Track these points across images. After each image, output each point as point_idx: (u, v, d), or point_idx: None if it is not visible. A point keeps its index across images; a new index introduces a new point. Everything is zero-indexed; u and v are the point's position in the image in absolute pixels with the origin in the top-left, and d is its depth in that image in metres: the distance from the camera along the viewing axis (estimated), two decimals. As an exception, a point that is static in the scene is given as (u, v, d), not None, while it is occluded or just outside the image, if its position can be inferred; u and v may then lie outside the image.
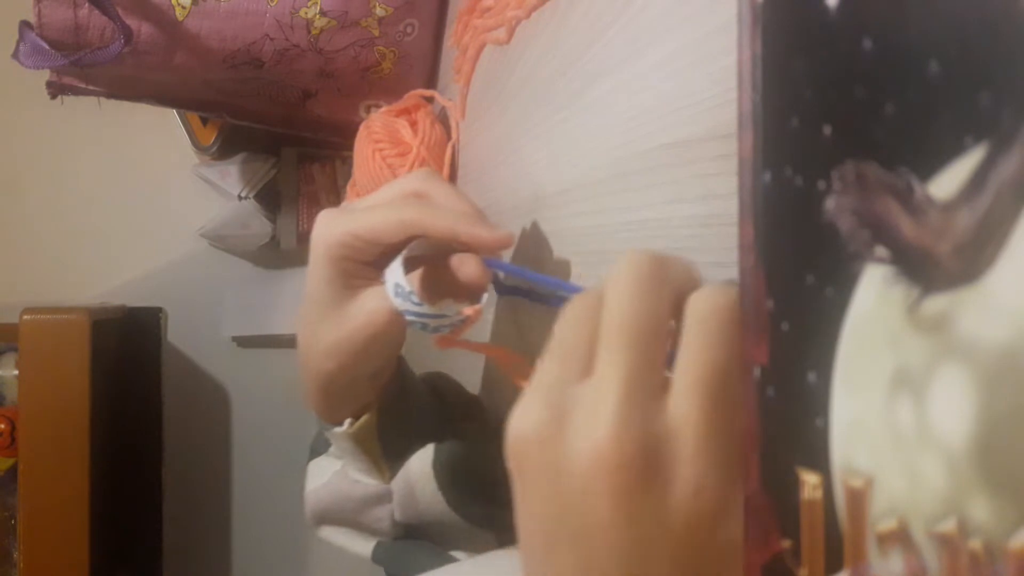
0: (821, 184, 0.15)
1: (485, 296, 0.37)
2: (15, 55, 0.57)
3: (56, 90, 0.64)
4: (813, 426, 0.15)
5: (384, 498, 0.46)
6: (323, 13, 0.62)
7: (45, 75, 0.62)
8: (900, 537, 0.13)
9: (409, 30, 0.67)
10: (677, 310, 0.21)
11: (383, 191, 0.39)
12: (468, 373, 0.55)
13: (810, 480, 0.15)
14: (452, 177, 0.60)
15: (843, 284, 0.14)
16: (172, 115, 0.99)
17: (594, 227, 0.36)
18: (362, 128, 0.62)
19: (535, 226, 0.43)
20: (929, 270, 0.13)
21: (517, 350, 0.45)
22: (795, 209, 0.15)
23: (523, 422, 0.20)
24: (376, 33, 0.65)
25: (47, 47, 0.56)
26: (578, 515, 0.19)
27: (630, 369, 0.19)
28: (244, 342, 1.10)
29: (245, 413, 1.12)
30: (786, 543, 0.16)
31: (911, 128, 0.13)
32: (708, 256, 0.27)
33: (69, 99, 0.65)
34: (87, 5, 0.55)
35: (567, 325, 0.22)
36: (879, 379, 0.14)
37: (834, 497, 0.15)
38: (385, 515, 0.46)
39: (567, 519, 0.19)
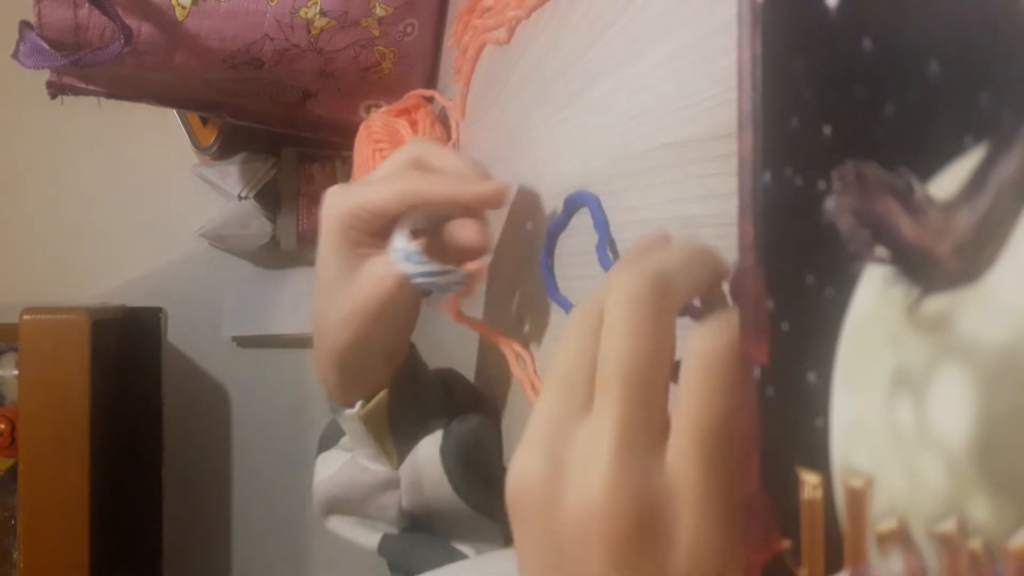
0: (821, 184, 0.15)
1: (489, 256, 0.38)
2: (15, 55, 0.57)
3: (56, 90, 0.64)
4: (813, 426, 0.15)
5: (392, 484, 0.46)
6: (323, 13, 0.62)
7: (45, 75, 0.62)
8: (900, 537, 0.13)
9: (409, 30, 0.67)
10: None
11: (387, 163, 0.40)
12: (468, 371, 0.55)
13: (810, 480, 0.15)
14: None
15: (843, 284, 0.14)
16: (172, 115, 0.99)
17: (594, 228, 0.36)
18: (362, 128, 0.62)
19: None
20: (929, 270, 0.13)
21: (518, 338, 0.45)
22: (795, 209, 0.15)
23: (522, 471, 0.20)
24: (376, 33, 0.65)
25: (47, 47, 0.56)
26: (572, 571, 0.19)
27: (626, 417, 0.18)
28: (244, 342, 1.10)
29: (245, 413, 1.12)
30: (786, 543, 0.16)
31: (911, 128, 0.13)
32: (708, 256, 0.27)
33: (69, 99, 0.65)
34: (87, 5, 0.55)
35: (566, 353, 0.21)
36: (879, 379, 0.14)
37: (834, 497, 0.15)
38: (393, 502, 0.46)
39: (562, 574, 0.19)
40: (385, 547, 0.47)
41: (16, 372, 0.89)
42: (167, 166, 1.07)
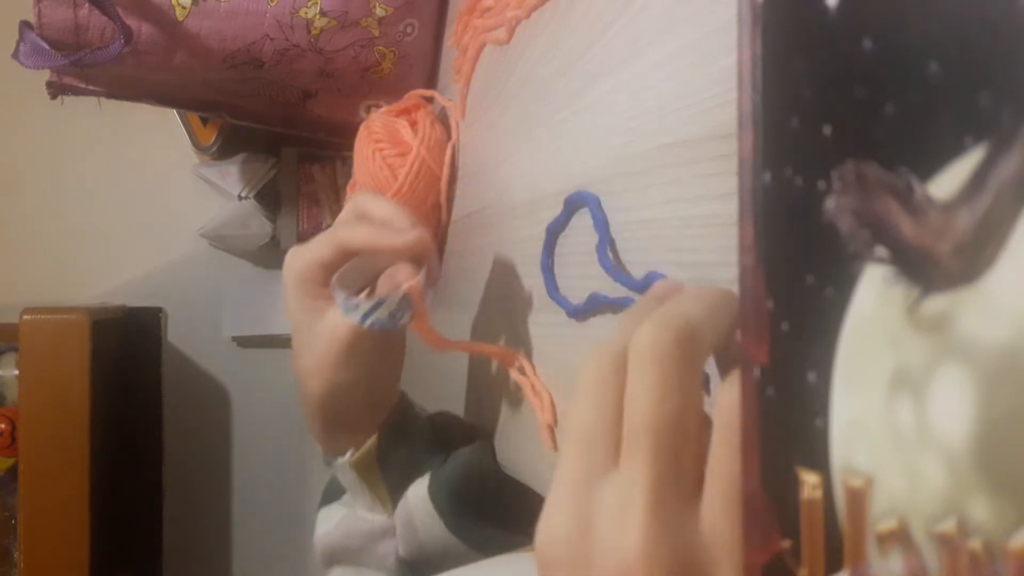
0: (821, 184, 0.15)
1: (422, 272, 0.40)
2: (15, 55, 0.57)
3: (56, 90, 0.64)
4: (813, 426, 0.15)
5: (389, 532, 0.46)
6: (323, 13, 0.62)
7: (45, 75, 0.62)
8: (900, 537, 0.13)
9: (409, 30, 0.66)
10: None
11: (339, 216, 0.44)
12: (456, 386, 0.55)
13: (810, 480, 0.15)
14: (452, 177, 0.60)
15: (843, 284, 0.14)
16: (172, 115, 0.99)
17: (594, 227, 0.36)
18: (362, 128, 0.62)
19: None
20: (929, 270, 0.13)
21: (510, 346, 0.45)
22: (795, 209, 0.15)
23: (550, 530, 0.19)
24: (376, 33, 0.65)
25: (47, 47, 0.56)
26: None
27: (658, 473, 0.18)
28: (244, 342, 1.10)
29: (245, 413, 1.12)
30: (786, 543, 0.16)
31: (911, 128, 0.13)
32: (708, 256, 0.27)
33: (69, 99, 0.65)
34: (87, 5, 0.55)
35: (585, 407, 0.20)
36: (879, 379, 0.14)
37: (834, 497, 0.15)
38: (391, 551, 0.46)
39: None
40: None
41: (16, 372, 0.89)
42: (167, 166, 1.07)
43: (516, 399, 0.45)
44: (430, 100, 0.63)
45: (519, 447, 0.45)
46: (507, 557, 0.41)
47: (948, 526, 0.13)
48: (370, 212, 0.42)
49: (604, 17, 0.35)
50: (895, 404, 0.14)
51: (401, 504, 0.46)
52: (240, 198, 1.00)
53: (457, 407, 0.57)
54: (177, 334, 1.07)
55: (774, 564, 0.16)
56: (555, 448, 0.40)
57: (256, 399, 1.11)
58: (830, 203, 0.15)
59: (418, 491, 0.45)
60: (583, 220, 0.37)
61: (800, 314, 0.15)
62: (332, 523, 0.48)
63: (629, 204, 0.33)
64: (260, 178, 1.01)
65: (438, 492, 0.44)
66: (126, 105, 0.70)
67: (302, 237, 0.99)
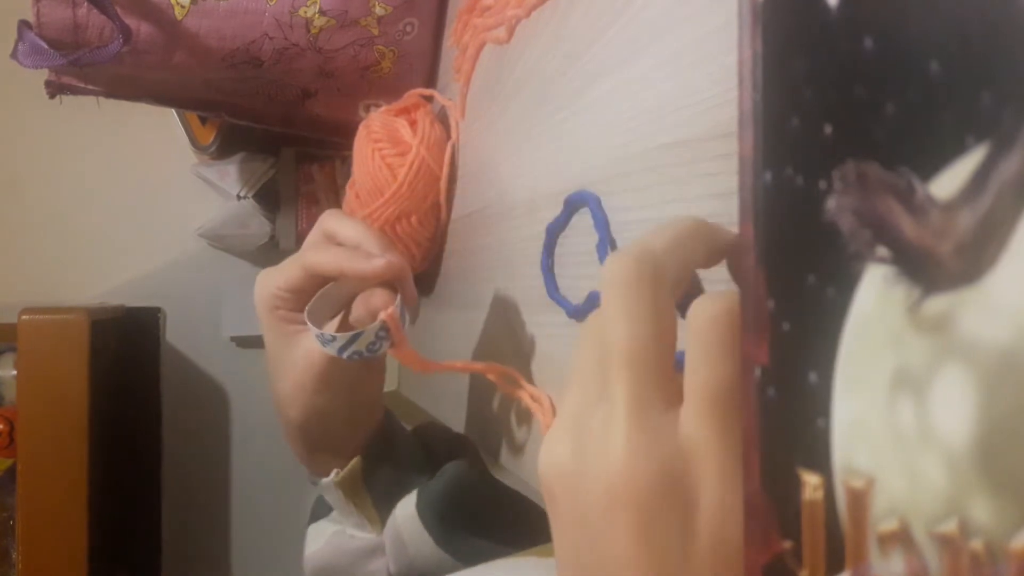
0: (822, 184, 0.15)
1: (398, 300, 0.39)
2: (14, 55, 0.57)
3: (55, 89, 0.64)
4: (814, 426, 0.15)
5: (378, 551, 0.46)
6: (322, 12, 0.62)
7: (44, 74, 0.62)
8: (901, 538, 0.13)
9: (409, 29, 0.66)
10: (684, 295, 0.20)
11: (308, 237, 0.43)
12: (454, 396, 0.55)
13: (811, 481, 0.15)
14: (452, 177, 0.60)
15: (844, 284, 0.14)
16: (171, 114, 0.99)
17: (594, 227, 0.36)
18: (361, 127, 0.62)
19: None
20: (930, 270, 0.13)
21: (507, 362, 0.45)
22: (796, 209, 0.15)
23: (548, 456, 0.20)
24: (375, 32, 0.65)
25: (46, 46, 0.56)
26: (601, 550, 0.19)
27: (633, 390, 0.19)
28: (243, 342, 1.10)
29: (244, 413, 1.12)
30: (787, 544, 0.16)
31: (912, 128, 0.13)
32: (708, 256, 0.27)
33: (68, 99, 0.65)
34: (86, 4, 0.55)
35: (580, 348, 0.21)
36: (880, 379, 0.14)
37: (835, 498, 0.15)
38: (380, 568, 0.46)
39: (592, 554, 0.19)
40: None
41: (15, 372, 0.89)
42: (166, 166, 1.07)
43: (519, 402, 0.45)
44: (430, 99, 0.63)
45: (528, 450, 0.45)
46: (507, 562, 0.41)
47: (949, 527, 0.13)
48: (339, 234, 0.41)
49: (604, 17, 0.35)
50: (896, 404, 0.13)
51: (389, 522, 0.45)
52: (239, 198, 1.00)
53: (459, 409, 0.57)
54: (176, 334, 1.07)
55: (775, 565, 0.16)
56: None
57: (255, 399, 1.11)
58: (831, 203, 0.14)
59: (406, 508, 0.45)
60: (583, 220, 0.37)
61: (801, 314, 0.15)
62: (322, 541, 0.48)
63: (629, 204, 0.33)
64: (259, 178, 1.01)
65: (426, 509, 0.44)
66: (125, 104, 0.70)
67: (301, 237, 0.99)
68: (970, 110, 0.12)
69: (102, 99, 0.67)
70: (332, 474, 0.44)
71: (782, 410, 0.16)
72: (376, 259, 0.38)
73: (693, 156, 0.28)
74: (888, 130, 0.13)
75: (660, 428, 0.19)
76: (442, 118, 0.62)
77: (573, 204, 0.38)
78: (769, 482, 0.16)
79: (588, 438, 0.19)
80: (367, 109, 0.71)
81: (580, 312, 0.37)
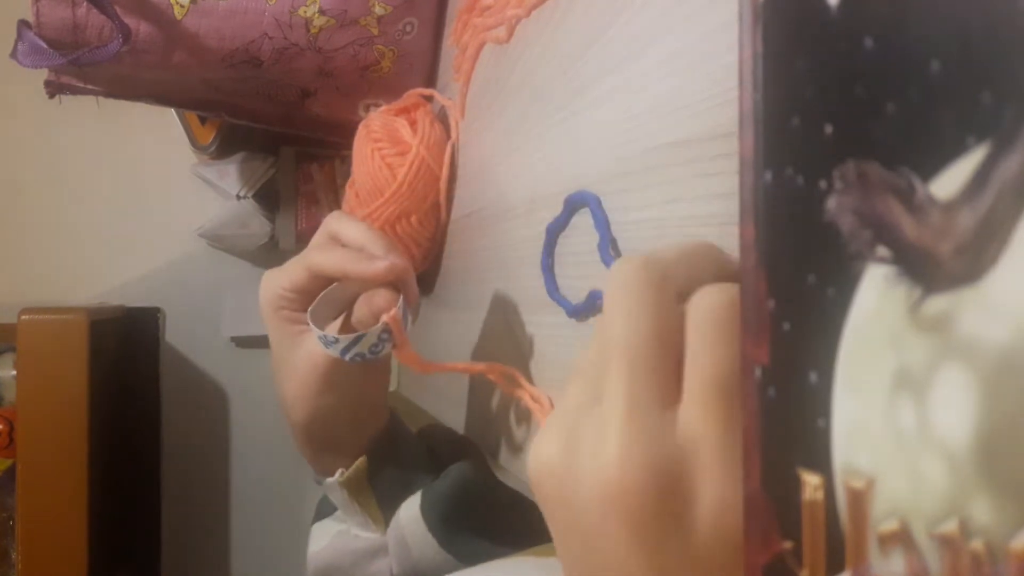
0: (822, 183, 0.15)
1: (400, 302, 0.39)
2: (13, 54, 0.57)
3: (54, 89, 0.64)
4: (814, 426, 0.15)
5: (382, 551, 0.46)
6: (322, 12, 0.62)
7: (43, 74, 0.62)
8: (901, 538, 0.13)
9: (408, 29, 0.66)
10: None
11: (313, 237, 0.43)
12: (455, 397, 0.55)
13: (811, 481, 0.15)
14: (452, 176, 0.60)
15: (844, 284, 0.14)
16: (170, 114, 0.99)
17: (594, 227, 0.36)
18: (361, 127, 0.62)
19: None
20: (931, 270, 0.13)
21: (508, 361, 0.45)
22: (796, 209, 0.15)
23: (538, 453, 0.20)
24: (375, 32, 0.65)
25: (45, 46, 0.56)
26: (597, 549, 0.18)
27: (630, 388, 0.18)
28: (243, 342, 1.10)
29: (244, 413, 1.12)
30: (787, 544, 0.16)
31: (913, 127, 0.13)
32: (708, 256, 0.27)
33: (68, 99, 0.65)
34: (85, 4, 0.55)
35: (588, 348, 0.21)
36: (880, 379, 0.14)
37: (835, 498, 0.15)
38: (384, 569, 0.46)
39: (588, 554, 0.19)
40: None
41: (14, 372, 0.88)
42: (166, 166, 1.07)
43: (518, 402, 0.45)
44: (429, 99, 0.63)
45: (528, 450, 0.45)
46: (506, 562, 0.41)
47: (950, 527, 0.12)
48: (342, 236, 0.41)
49: (604, 17, 0.35)
50: (897, 404, 0.13)
51: (393, 523, 0.46)
52: (238, 198, 1.00)
53: (459, 409, 0.57)
54: (175, 334, 1.07)
55: (775, 565, 0.16)
56: None
57: (254, 399, 1.11)
58: (831, 203, 0.14)
59: (410, 510, 0.45)
60: (583, 220, 0.37)
61: (801, 314, 0.15)
62: (325, 540, 0.48)
63: (629, 204, 0.33)
64: (259, 177, 1.01)
65: (430, 510, 0.44)
66: (124, 104, 0.70)
67: (301, 237, 0.99)
68: (970, 110, 0.12)
69: (102, 99, 0.67)
70: (337, 474, 0.45)
71: (782, 410, 0.16)
72: (379, 261, 0.38)
73: (693, 156, 0.28)
74: (888, 130, 0.13)
75: (657, 428, 0.18)
76: (442, 118, 0.62)
77: (573, 204, 0.38)
78: (769, 482, 0.16)
79: (581, 437, 0.19)
80: (367, 109, 0.71)
81: (580, 311, 0.37)
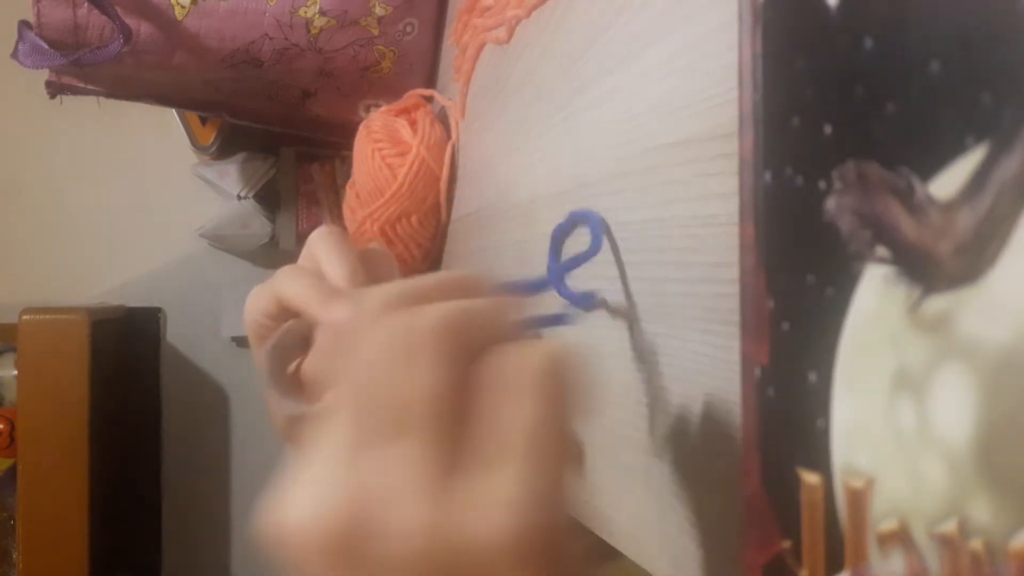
0: (822, 184, 0.15)
1: None
2: (14, 55, 0.57)
3: (55, 89, 0.64)
4: (814, 426, 0.15)
5: None
6: (322, 12, 0.62)
7: (44, 75, 0.62)
8: (901, 538, 0.13)
9: (409, 29, 0.66)
10: None
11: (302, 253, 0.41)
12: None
13: (811, 480, 0.15)
14: (452, 177, 0.60)
15: (844, 284, 0.14)
16: (171, 114, 0.99)
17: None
18: (361, 128, 0.62)
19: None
20: (930, 270, 0.13)
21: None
22: (796, 209, 0.15)
23: (307, 509, 0.19)
24: (375, 32, 0.65)
25: (46, 47, 0.56)
26: None
27: (424, 454, 0.18)
28: (243, 342, 1.10)
29: (244, 413, 1.12)
30: (787, 544, 0.16)
31: (912, 128, 0.13)
32: (708, 256, 0.27)
33: (69, 99, 0.65)
34: (86, 4, 0.55)
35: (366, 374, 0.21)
36: (880, 379, 0.14)
37: (835, 498, 0.15)
38: None
39: None
40: None
41: (15, 372, 0.89)
42: (166, 166, 1.07)
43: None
44: (430, 99, 0.63)
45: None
46: None
47: (949, 527, 0.12)
48: (320, 262, 0.38)
49: (604, 16, 0.35)
50: (896, 404, 0.13)
51: None
52: (239, 198, 1.00)
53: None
54: (176, 334, 1.07)
55: (775, 564, 0.16)
56: None
57: (255, 399, 1.11)
58: (831, 203, 0.14)
59: None
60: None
61: (801, 314, 0.15)
62: None
63: (629, 204, 0.33)
64: (259, 178, 1.01)
65: None
66: (125, 104, 0.70)
67: (301, 237, 0.99)
68: (970, 110, 0.12)
69: (102, 99, 0.67)
70: None
71: (782, 410, 0.16)
72: (335, 310, 0.35)
73: (693, 156, 0.28)
74: (888, 130, 0.13)
75: (458, 489, 0.18)
76: (442, 118, 0.62)
77: (575, 219, 0.37)
78: (769, 482, 0.16)
79: (372, 494, 0.18)
80: (367, 109, 0.71)
81: (580, 308, 0.37)
